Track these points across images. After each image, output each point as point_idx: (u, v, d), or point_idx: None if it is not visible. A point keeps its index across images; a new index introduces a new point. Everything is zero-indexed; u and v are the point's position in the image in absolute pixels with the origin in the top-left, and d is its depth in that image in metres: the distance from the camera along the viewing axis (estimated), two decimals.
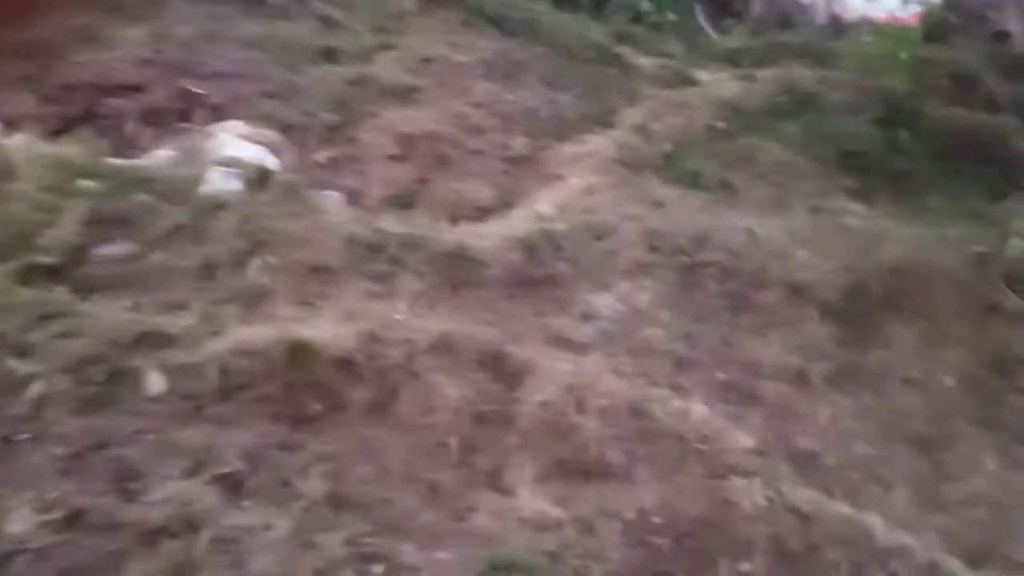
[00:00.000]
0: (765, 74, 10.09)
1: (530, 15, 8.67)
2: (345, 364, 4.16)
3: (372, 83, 6.81)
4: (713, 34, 15.61)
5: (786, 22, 17.05)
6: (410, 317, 4.55)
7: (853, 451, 5.49)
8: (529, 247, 5.10)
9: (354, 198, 5.82)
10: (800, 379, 5.82)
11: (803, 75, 10.18)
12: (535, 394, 4.07)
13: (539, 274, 5.04)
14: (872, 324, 7.08)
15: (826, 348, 6.27)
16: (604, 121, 8.17)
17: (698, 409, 4.32)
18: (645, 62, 10.02)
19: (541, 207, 5.82)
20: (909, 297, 7.55)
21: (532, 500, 3.70)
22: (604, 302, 5.16)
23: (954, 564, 4.59)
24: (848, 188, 9.30)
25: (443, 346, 4.29)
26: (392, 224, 5.29)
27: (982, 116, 12.13)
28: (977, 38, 16.94)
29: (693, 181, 7.68)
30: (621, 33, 12.44)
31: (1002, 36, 17.23)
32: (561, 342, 4.75)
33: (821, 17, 17.84)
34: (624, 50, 9.83)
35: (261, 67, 6.89)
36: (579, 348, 4.73)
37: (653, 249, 5.95)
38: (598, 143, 7.16)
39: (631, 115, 8.41)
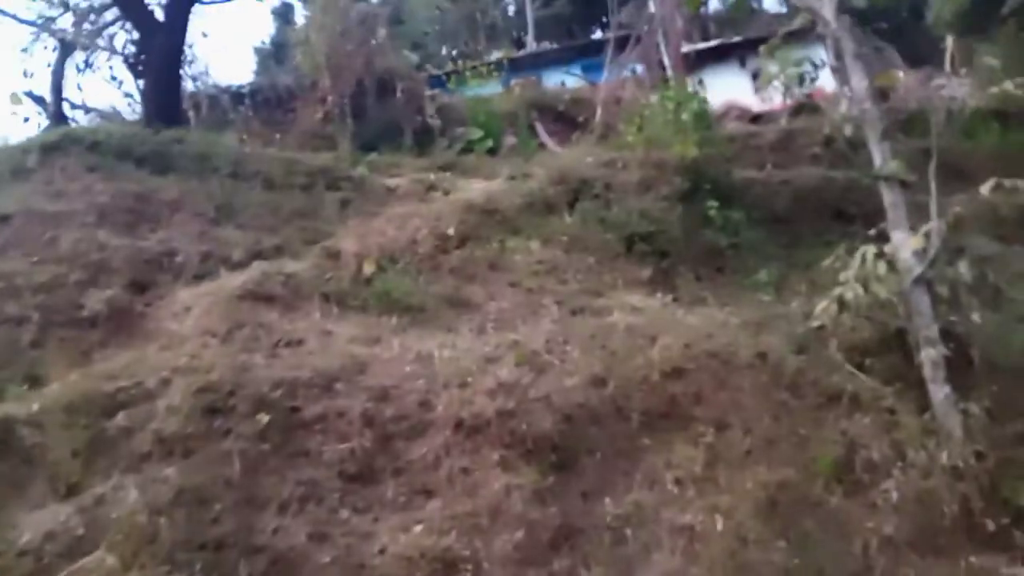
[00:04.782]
0: (540, 171, 8.54)
1: (207, 149, 7.18)
2: None
3: None
4: (557, 149, 14.51)
5: None
6: None
7: None
8: None
9: None
10: (476, 566, 3.70)
11: (582, 161, 8.64)
12: None
13: None
14: (622, 454, 5.01)
15: (514, 510, 4.17)
16: (291, 250, 6.49)
17: None
18: (398, 182, 8.53)
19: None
20: (698, 404, 5.55)
21: None
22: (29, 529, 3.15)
23: None
24: (638, 278, 7.50)
25: None
26: None
27: (834, 173, 10.68)
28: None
29: (387, 304, 5.87)
30: (444, 164, 11.18)
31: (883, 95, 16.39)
32: None
33: None
34: (365, 173, 8.33)
35: None
36: None
37: (212, 412, 4.00)
38: (237, 280, 5.40)
39: (339, 239, 6.73)
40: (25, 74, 13.07)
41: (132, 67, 12.23)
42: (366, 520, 3.92)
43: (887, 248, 5.93)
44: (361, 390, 4.54)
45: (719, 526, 4.53)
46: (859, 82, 6.69)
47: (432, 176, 8.44)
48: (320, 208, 7.30)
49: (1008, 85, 6.03)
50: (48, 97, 13.10)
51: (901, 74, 15.30)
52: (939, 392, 5.49)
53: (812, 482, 5.10)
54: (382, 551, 3.73)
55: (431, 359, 4.99)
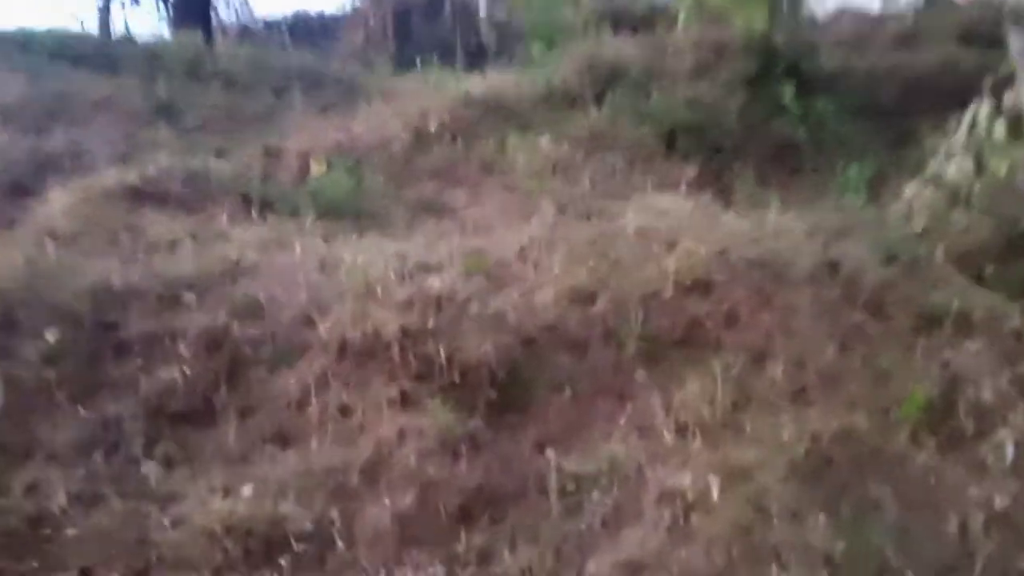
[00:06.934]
0: (566, 59, 7.01)
1: (160, 49, 6.18)
2: None
3: None
4: None
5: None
6: None
7: None
8: None
9: None
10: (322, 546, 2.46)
11: (619, 45, 7.03)
12: None
13: None
14: (605, 392, 3.55)
15: (405, 464, 2.85)
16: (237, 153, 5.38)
17: None
18: (398, 84, 7.28)
19: None
20: (730, 328, 3.99)
21: None
22: None
23: None
24: (679, 179, 5.84)
25: None
26: None
27: (961, 54, 8.54)
28: None
29: (325, 208, 4.63)
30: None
31: None
32: None
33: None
34: (360, 74, 7.14)
35: None
36: None
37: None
38: (120, 176, 4.32)
39: (288, 138, 5.58)
40: (74, 16, 12.73)
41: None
42: (179, 476, 2.73)
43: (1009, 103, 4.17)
44: (221, 303, 3.32)
45: (729, 491, 3.03)
46: None
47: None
48: (291, 111, 6.12)
49: None
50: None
51: None
52: None
53: (890, 432, 3.48)
54: (176, 523, 2.52)
55: (338, 267, 3.70)
